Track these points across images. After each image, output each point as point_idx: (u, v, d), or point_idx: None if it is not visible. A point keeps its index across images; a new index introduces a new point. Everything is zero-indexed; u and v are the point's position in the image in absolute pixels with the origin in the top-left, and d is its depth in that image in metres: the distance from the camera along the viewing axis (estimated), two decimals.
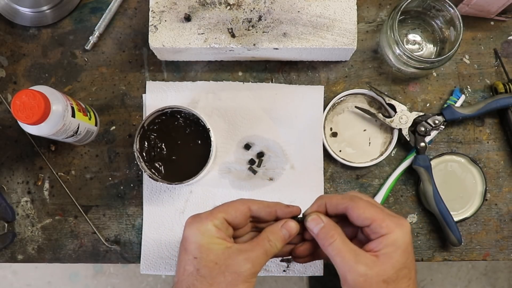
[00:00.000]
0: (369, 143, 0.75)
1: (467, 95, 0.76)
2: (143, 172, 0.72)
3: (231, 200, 0.54)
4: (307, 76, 0.76)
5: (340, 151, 0.75)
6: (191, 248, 0.50)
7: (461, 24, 0.68)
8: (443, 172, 0.74)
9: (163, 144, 0.69)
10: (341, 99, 0.75)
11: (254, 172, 0.74)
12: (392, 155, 0.76)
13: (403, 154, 0.75)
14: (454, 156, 0.75)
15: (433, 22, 0.74)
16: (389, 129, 0.75)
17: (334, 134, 0.75)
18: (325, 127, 0.75)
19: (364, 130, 0.75)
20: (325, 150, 0.74)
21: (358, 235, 0.55)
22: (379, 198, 0.74)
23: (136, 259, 0.74)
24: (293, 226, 0.54)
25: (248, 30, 0.69)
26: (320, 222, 0.53)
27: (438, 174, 0.74)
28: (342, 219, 0.54)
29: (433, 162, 0.74)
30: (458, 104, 0.74)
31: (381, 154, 0.74)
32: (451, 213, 0.72)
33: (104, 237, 0.75)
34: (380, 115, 0.73)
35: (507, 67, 0.76)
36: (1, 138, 0.76)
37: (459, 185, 0.74)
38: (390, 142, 0.75)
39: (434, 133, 0.74)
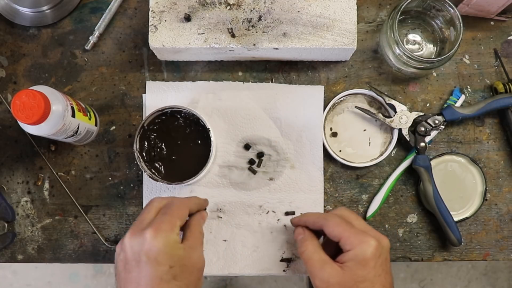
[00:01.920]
0: (369, 143, 0.75)
1: (467, 95, 0.76)
2: (143, 172, 0.72)
3: (173, 202, 0.60)
4: (307, 76, 0.76)
5: (340, 151, 0.75)
6: (165, 259, 0.54)
7: (461, 24, 0.68)
8: (443, 172, 0.74)
9: (163, 144, 0.69)
10: (341, 99, 0.75)
11: (254, 172, 0.74)
12: (392, 155, 0.76)
13: (403, 154, 0.75)
14: (454, 156, 0.75)
15: (433, 22, 0.74)
16: (389, 129, 0.75)
17: (334, 134, 0.75)
18: (325, 127, 0.75)
19: (364, 130, 0.75)
20: (325, 150, 0.74)
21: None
22: (379, 198, 0.74)
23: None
24: (205, 214, 0.66)
25: (248, 30, 0.69)
26: (300, 234, 0.63)
27: (438, 174, 0.74)
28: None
29: (433, 162, 0.74)
30: (458, 104, 0.74)
31: (381, 154, 0.74)
32: (451, 213, 0.72)
33: (104, 237, 0.75)
34: (380, 115, 0.73)
35: (507, 67, 0.76)
36: (1, 138, 0.76)
37: (459, 185, 0.74)
38: (390, 142, 0.75)
39: (434, 133, 0.74)
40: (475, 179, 0.74)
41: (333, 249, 0.61)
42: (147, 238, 0.54)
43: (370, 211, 0.74)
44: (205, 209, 0.68)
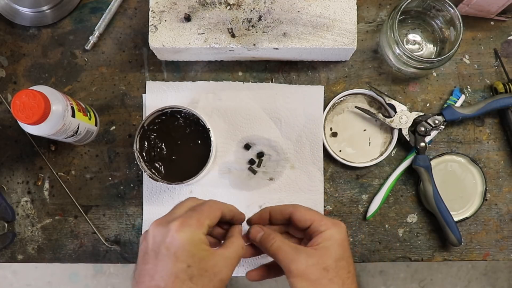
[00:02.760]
0: (369, 143, 0.75)
1: (467, 95, 0.76)
2: (143, 172, 0.72)
3: (206, 202, 0.57)
4: (307, 76, 0.76)
5: (340, 151, 0.75)
6: (185, 256, 0.51)
7: (461, 24, 0.68)
8: (443, 172, 0.74)
9: (163, 144, 0.69)
10: (341, 99, 0.75)
11: (254, 172, 0.74)
12: (392, 155, 0.76)
13: (403, 154, 0.75)
14: (454, 156, 0.75)
15: (433, 22, 0.74)
16: (389, 129, 0.75)
17: (334, 134, 0.75)
18: (325, 127, 0.75)
19: (364, 130, 0.75)
20: (325, 150, 0.74)
21: (302, 242, 0.63)
22: (379, 198, 0.74)
23: (136, 259, 0.74)
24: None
25: (248, 30, 0.69)
26: (260, 231, 0.60)
27: (438, 174, 0.74)
28: (286, 231, 0.64)
29: (433, 162, 0.74)
30: (458, 104, 0.74)
31: (381, 154, 0.74)
32: (451, 213, 0.72)
33: (104, 237, 0.75)
34: (380, 115, 0.73)
35: (507, 67, 0.76)
36: (1, 138, 0.76)
37: (459, 185, 0.74)
38: (390, 142, 0.75)
39: (434, 133, 0.74)
40: (475, 179, 0.74)
41: (296, 241, 0.62)
42: (171, 229, 0.51)
43: (370, 211, 0.74)
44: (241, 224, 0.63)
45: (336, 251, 0.57)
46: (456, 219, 0.73)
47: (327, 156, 0.75)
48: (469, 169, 0.75)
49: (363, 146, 0.75)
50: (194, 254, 0.51)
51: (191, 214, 0.54)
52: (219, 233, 0.61)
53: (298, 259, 0.56)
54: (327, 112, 0.75)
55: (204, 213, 0.54)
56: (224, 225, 0.61)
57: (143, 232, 0.74)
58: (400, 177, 0.75)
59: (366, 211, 0.75)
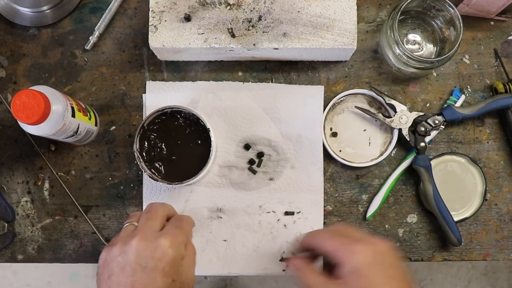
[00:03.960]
0: (369, 143, 0.75)
1: (467, 95, 0.76)
2: (143, 172, 0.72)
3: (183, 219, 0.60)
4: (307, 76, 0.76)
5: (340, 151, 0.75)
6: (172, 271, 0.54)
7: (461, 24, 0.68)
8: (443, 172, 0.74)
9: (163, 144, 0.69)
10: (341, 99, 0.75)
11: (254, 172, 0.74)
12: (392, 155, 0.76)
13: (403, 154, 0.75)
14: (454, 156, 0.75)
15: (433, 22, 0.74)
16: (389, 129, 0.75)
17: (334, 134, 0.75)
18: (325, 127, 0.75)
19: (364, 130, 0.75)
20: (325, 150, 0.74)
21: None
22: (379, 198, 0.74)
23: None
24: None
25: (248, 30, 0.69)
26: (293, 265, 0.61)
27: (438, 174, 0.74)
28: None
29: (433, 162, 0.74)
30: (458, 104, 0.74)
31: (381, 154, 0.74)
32: (451, 213, 0.72)
33: (104, 237, 0.75)
34: (380, 115, 0.73)
35: (507, 67, 0.76)
36: (1, 138, 0.76)
37: (459, 185, 0.74)
38: (390, 142, 0.75)
39: (434, 133, 0.74)
40: (475, 179, 0.74)
41: (333, 267, 0.58)
42: (161, 245, 0.53)
43: (370, 211, 0.74)
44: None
45: (356, 285, 0.53)
46: (456, 219, 0.73)
47: (327, 156, 0.75)
48: (469, 169, 0.75)
49: (363, 146, 0.75)
50: (178, 270, 0.54)
51: (177, 231, 0.56)
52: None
53: None
54: (327, 112, 0.75)
55: (186, 230, 0.58)
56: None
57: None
58: (400, 177, 0.75)
59: (366, 211, 0.75)
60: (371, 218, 0.75)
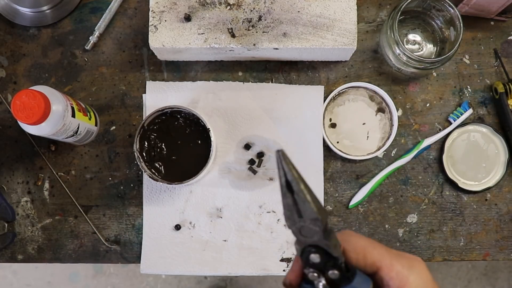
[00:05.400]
0: (367, 137, 0.75)
1: (467, 95, 0.76)
2: (143, 172, 0.72)
3: None
4: (307, 76, 0.76)
5: (337, 142, 0.75)
6: None
7: (461, 24, 0.68)
8: (466, 142, 0.75)
9: (163, 144, 0.69)
10: (343, 90, 0.75)
11: (254, 172, 0.74)
12: (392, 155, 0.75)
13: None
14: (477, 126, 0.75)
15: (433, 22, 0.74)
16: (388, 125, 0.75)
17: (333, 125, 0.75)
18: (325, 117, 0.75)
19: (363, 124, 0.75)
20: (323, 142, 0.74)
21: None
22: (366, 189, 0.74)
23: (136, 259, 0.74)
24: None
25: (248, 30, 0.69)
26: None
27: (460, 144, 0.75)
28: None
29: (456, 132, 0.75)
30: (463, 117, 0.74)
31: (378, 149, 0.74)
32: (474, 182, 0.74)
33: (104, 237, 0.75)
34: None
35: (507, 67, 0.76)
36: (1, 138, 0.76)
37: (481, 155, 0.75)
38: (388, 138, 0.74)
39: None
40: (497, 149, 0.75)
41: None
42: None
43: (354, 201, 0.74)
44: None
45: None
46: (479, 188, 0.74)
47: (324, 147, 0.74)
48: (492, 139, 0.75)
49: (361, 139, 0.75)
50: None
51: None
52: None
53: None
54: (328, 103, 0.74)
55: None
56: None
57: (143, 232, 0.74)
58: (392, 173, 0.74)
59: (366, 211, 0.75)
60: (372, 218, 0.75)
